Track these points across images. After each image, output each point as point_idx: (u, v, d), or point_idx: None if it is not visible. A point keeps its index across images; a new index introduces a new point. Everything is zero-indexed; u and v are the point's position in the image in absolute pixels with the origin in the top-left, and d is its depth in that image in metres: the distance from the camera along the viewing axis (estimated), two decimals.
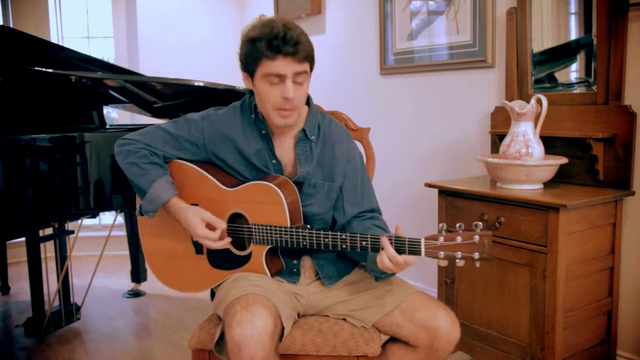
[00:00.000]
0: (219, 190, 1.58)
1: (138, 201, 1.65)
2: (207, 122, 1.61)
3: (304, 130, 1.59)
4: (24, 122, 2.68)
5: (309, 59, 1.48)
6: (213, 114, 1.63)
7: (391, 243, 1.38)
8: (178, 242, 1.64)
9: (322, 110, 1.78)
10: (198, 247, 1.64)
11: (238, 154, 1.59)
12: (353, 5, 3.32)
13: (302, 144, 1.60)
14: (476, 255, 1.33)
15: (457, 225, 1.35)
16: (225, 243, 1.55)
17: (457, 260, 1.34)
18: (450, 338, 1.44)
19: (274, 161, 1.59)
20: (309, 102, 1.62)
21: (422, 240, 1.36)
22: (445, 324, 1.44)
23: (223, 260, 1.59)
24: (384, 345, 1.56)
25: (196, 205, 1.61)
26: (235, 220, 1.59)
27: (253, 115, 1.59)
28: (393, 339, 1.56)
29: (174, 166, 1.64)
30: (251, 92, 1.59)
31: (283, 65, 1.43)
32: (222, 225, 1.54)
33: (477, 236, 1.33)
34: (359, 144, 1.85)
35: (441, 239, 1.34)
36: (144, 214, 1.59)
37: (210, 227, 1.54)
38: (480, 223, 1.33)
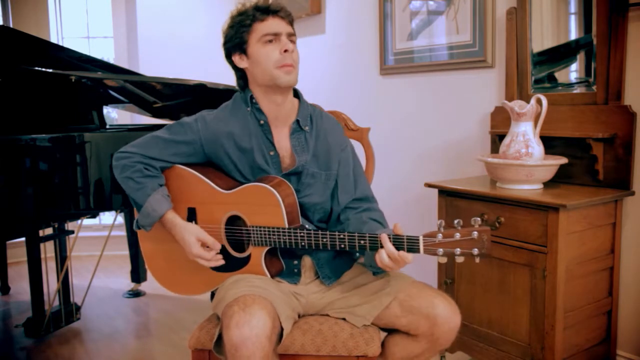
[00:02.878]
0: (215, 193, 1.58)
1: (135, 214, 1.66)
2: (202, 123, 1.62)
3: (297, 121, 1.61)
4: (24, 122, 2.68)
5: (293, 26, 1.59)
6: (206, 114, 1.64)
7: (390, 241, 1.38)
8: (177, 245, 1.64)
9: (322, 110, 1.79)
10: None
11: (236, 150, 1.59)
12: (353, 5, 3.32)
13: (296, 135, 1.61)
14: (475, 251, 1.32)
15: (456, 221, 1.35)
16: (218, 263, 1.57)
17: (456, 257, 1.34)
18: (450, 325, 1.43)
19: (272, 152, 1.59)
20: (298, 95, 1.66)
21: (421, 238, 1.36)
22: (444, 311, 1.43)
23: (223, 263, 1.59)
24: (384, 340, 1.56)
25: (194, 209, 1.62)
26: (234, 222, 1.59)
27: (249, 108, 1.60)
28: (393, 331, 1.55)
29: (170, 171, 1.64)
30: (241, 88, 1.63)
31: (275, 23, 1.53)
32: (217, 246, 1.57)
33: (475, 232, 1.32)
34: (359, 144, 1.85)
35: (440, 236, 1.34)
36: (140, 227, 1.61)
37: (206, 246, 1.56)
38: (478, 219, 1.33)
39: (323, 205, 1.63)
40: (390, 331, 1.57)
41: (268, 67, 1.53)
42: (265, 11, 1.53)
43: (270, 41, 1.53)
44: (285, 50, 1.52)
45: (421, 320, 1.45)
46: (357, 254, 1.68)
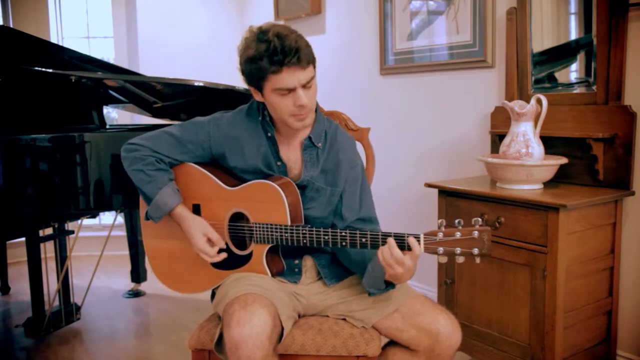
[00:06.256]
0: (220, 190, 1.59)
1: (142, 205, 1.67)
2: (214, 125, 1.62)
3: (310, 138, 1.59)
4: (24, 122, 2.68)
5: (312, 61, 1.47)
6: (220, 117, 1.65)
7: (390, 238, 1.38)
8: (179, 243, 1.64)
9: (322, 111, 1.79)
10: None
11: (243, 156, 1.60)
12: (353, 5, 3.32)
13: (309, 151, 1.60)
14: (475, 250, 1.33)
15: (456, 221, 1.36)
16: (219, 258, 1.58)
17: (456, 256, 1.34)
18: (451, 342, 1.45)
19: (278, 163, 1.59)
20: (315, 109, 1.62)
21: (422, 236, 1.36)
22: (447, 329, 1.44)
23: (224, 261, 1.60)
24: (383, 348, 1.56)
25: (198, 206, 1.62)
26: (237, 219, 1.60)
27: (260, 117, 1.60)
28: (393, 342, 1.56)
29: (178, 167, 1.65)
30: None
31: (290, 77, 1.42)
32: (221, 243, 1.58)
33: (476, 232, 1.33)
34: (359, 144, 1.85)
35: (440, 234, 1.35)
36: (150, 219, 1.62)
37: (210, 242, 1.57)
38: (479, 219, 1.34)
39: (323, 220, 1.62)
40: (390, 342, 1.57)
41: (282, 114, 1.49)
42: (279, 63, 1.40)
43: (285, 93, 1.45)
44: (300, 105, 1.45)
45: (423, 336, 1.45)
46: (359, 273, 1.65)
